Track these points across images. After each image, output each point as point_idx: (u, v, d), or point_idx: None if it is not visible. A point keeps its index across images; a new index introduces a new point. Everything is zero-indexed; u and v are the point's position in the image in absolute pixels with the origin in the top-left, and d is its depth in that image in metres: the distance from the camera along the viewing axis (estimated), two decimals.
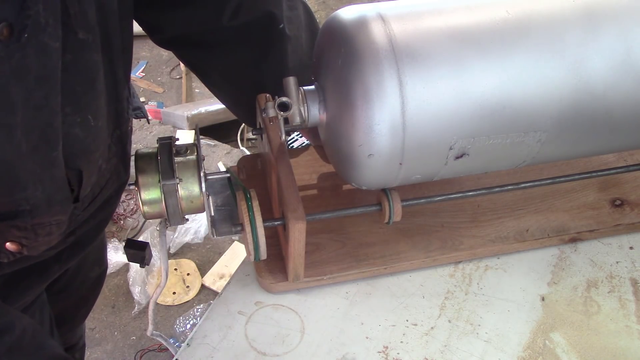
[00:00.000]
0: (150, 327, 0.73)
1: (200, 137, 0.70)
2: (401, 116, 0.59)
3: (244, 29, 0.72)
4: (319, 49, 0.68)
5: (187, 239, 1.85)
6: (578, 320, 0.74)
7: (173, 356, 0.70)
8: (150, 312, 0.72)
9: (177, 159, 0.63)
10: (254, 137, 2.29)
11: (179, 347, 0.70)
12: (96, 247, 0.94)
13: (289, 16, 0.75)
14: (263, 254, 0.66)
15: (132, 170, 0.64)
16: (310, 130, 0.79)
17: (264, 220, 0.65)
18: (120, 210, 1.96)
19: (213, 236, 0.69)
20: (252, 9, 0.71)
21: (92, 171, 0.61)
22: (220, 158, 2.16)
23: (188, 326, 1.61)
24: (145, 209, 0.64)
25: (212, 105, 2.33)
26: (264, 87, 0.72)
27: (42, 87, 0.46)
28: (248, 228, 0.64)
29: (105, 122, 0.59)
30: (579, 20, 0.63)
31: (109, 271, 1.76)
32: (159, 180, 0.62)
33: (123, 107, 0.64)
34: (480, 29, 0.62)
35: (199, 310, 1.66)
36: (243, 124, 2.34)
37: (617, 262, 0.81)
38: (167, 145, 0.64)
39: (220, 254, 1.83)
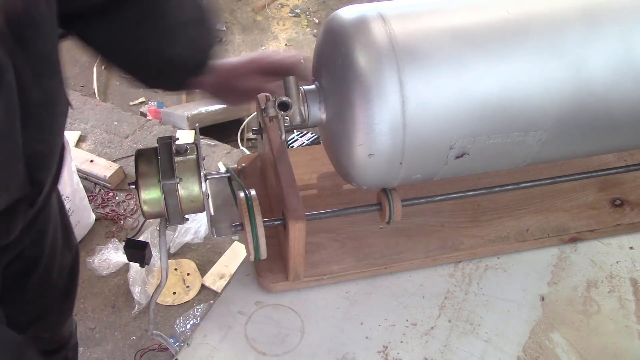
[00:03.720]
0: (150, 327, 0.73)
1: (200, 137, 0.70)
2: (401, 116, 0.59)
3: None
4: (319, 48, 0.68)
5: (187, 239, 1.85)
6: (578, 320, 0.74)
7: (173, 356, 0.70)
8: (150, 312, 0.72)
9: (177, 159, 0.63)
10: (254, 137, 2.29)
11: (179, 347, 0.70)
12: (62, 232, 0.92)
13: None
14: (263, 254, 0.66)
15: (132, 170, 0.64)
16: None
17: (264, 220, 0.65)
18: (120, 210, 1.96)
19: (213, 236, 0.69)
20: None
21: (50, 181, 0.67)
22: (220, 158, 2.16)
23: (188, 326, 1.61)
24: (145, 208, 0.64)
25: (212, 105, 2.33)
26: (147, 46, 0.73)
27: None
28: (248, 228, 0.64)
29: (61, 137, 0.65)
30: (579, 20, 0.63)
31: (108, 271, 1.76)
32: (159, 180, 0.62)
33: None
34: (480, 29, 0.62)
35: (199, 310, 1.65)
36: (243, 124, 2.35)
37: (617, 262, 0.81)
38: (167, 145, 0.64)
39: (220, 254, 1.83)
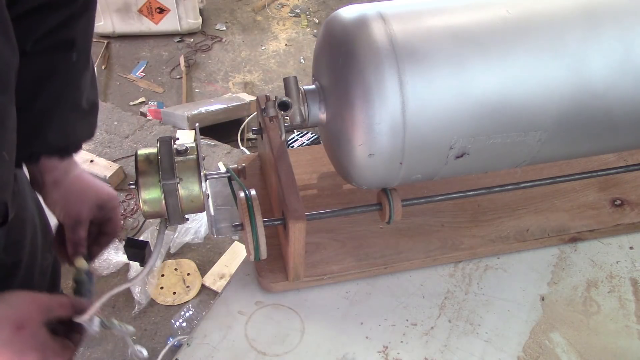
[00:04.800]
0: (86, 316, 0.66)
1: (200, 137, 0.69)
2: (402, 115, 0.59)
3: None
4: (319, 48, 0.68)
5: (187, 239, 1.84)
6: (578, 320, 0.74)
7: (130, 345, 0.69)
8: (98, 302, 0.66)
9: (178, 159, 0.63)
10: (254, 137, 2.29)
11: (177, 346, 0.70)
12: (41, 234, 0.91)
13: None
14: (263, 254, 0.66)
15: (132, 170, 0.64)
16: None
17: (264, 220, 0.65)
18: (120, 210, 1.96)
19: (213, 236, 0.69)
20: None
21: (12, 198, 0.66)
22: (220, 158, 2.15)
23: (183, 319, 1.61)
24: (146, 208, 0.64)
25: (212, 105, 2.33)
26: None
27: None
28: (248, 227, 0.64)
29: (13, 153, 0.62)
30: (579, 20, 0.63)
31: (109, 271, 1.76)
32: (159, 180, 0.62)
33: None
34: (480, 29, 0.62)
35: (192, 305, 1.65)
36: (243, 124, 2.35)
37: (617, 262, 0.81)
38: (168, 144, 0.64)
39: (221, 254, 1.83)
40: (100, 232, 0.77)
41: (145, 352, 0.73)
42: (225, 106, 2.33)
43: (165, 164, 0.63)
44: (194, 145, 0.66)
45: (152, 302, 1.69)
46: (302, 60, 2.85)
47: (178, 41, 2.90)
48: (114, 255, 1.79)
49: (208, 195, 0.67)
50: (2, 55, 0.55)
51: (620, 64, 0.63)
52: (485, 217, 0.84)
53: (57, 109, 0.70)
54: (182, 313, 1.62)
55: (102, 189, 0.77)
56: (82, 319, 0.62)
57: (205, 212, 0.67)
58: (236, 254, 1.82)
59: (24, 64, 0.60)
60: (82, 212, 0.74)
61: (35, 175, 0.75)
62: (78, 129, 0.74)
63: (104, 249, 0.78)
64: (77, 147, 0.75)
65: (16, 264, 0.81)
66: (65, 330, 0.63)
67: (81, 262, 0.70)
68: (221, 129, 2.28)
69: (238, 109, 2.36)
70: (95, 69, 2.65)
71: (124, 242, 0.73)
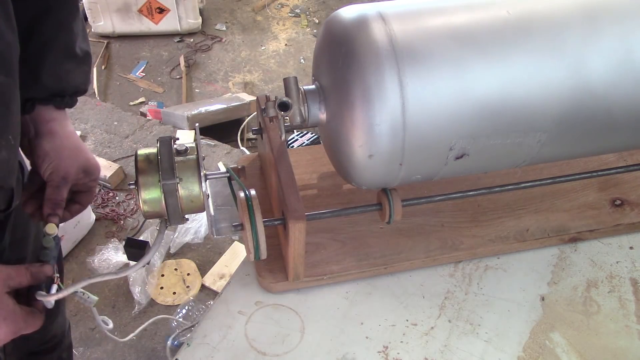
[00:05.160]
0: (51, 298, 0.63)
1: (200, 137, 0.69)
2: (402, 116, 0.59)
3: None
4: (319, 48, 0.68)
5: (187, 239, 1.85)
6: (578, 320, 0.74)
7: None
8: (71, 288, 0.65)
9: (178, 159, 0.63)
10: (254, 137, 2.29)
11: (177, 345, 0.70)
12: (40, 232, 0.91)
13: None
14: (263, 253, 0.66)
15: (132, 170, 0.64)
16: None
17: (264, 220, 0.65)
18: (120, 210, 1.96)
19: (213, 236, 0.69)
20: None
21: (16, 184, 0.66)
22: (220, 158, 2.16)
23: (180, 315, 1.61)
24: (146, 208, 0.64)
25: (212, 105, 2.33)
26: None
27: None
28: (248, 227, 0.64)
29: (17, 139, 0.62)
30: (579, 21, 0.63)
31: (108, 271, 1.76)
32: (159, 180, 0.62)
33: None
34: (480, 29, 0.62)
35: (192, 301, 1.65)
36: (243, 124, 2.35)
37: (617, 262, 0.81)
38: (168, 144, 0.64)
39: (220, 254, 1.83)
40: (72, 200, 0.75)
41: (111, 324, 0.73)
42: (225, 106, 2.33)
43: (165, 164, 0.63)
44: (194, 145, 0.66)
45: (152, 302, 1.69)
46: (302, 60, 2.85)
47: (178, 41, 2.90)
48: (114, 255, 1.79)
49: (208, 195, 0.67)
50: (4, 36, 0.55)
51: (620, 65, 0.63)
52: (485, 217, 0.84)
53: (51, 51, 0.70)
54: (182, 313, 1.63)
55: (92, 155, 0.76)
56: (45, 298, 0.61)
57: (205, 212, 0.67)
58: (236, 254, 1.82)
59: (17, 6, 0.59)
60: (71, 171, 0.72)
61: (28, 128, 0.72)
62: (72, 75, 0.74)
63: (72, 217, 0.76)
64: (72, 97, 0.75)
65: (20, 261, 0.81)
66: (26, 299, 0.61)
67: (52, 228, 0.68)
68: (221, 129, 2.28)
69: (238, 109, 2.36)
70: (95, 68, 2.65)
71: (124, 242, 0.73)
